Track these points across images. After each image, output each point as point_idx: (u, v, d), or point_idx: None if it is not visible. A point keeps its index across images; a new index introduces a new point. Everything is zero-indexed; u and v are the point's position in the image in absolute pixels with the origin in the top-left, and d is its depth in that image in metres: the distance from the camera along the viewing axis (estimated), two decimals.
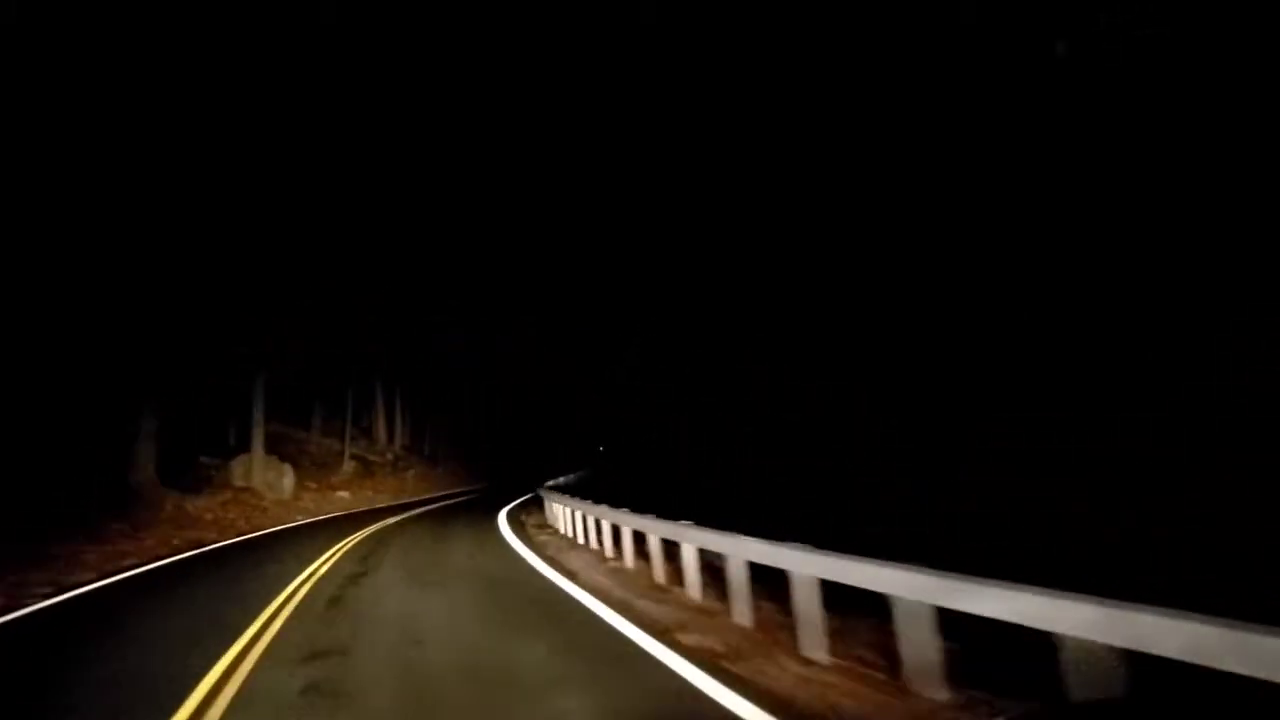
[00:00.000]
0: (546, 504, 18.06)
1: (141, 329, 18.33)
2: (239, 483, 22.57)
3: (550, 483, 27.32)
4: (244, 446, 23.99)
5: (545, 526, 16.53)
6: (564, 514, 14.93)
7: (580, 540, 12.71)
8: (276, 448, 25.71)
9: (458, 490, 36.45)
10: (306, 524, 19.41)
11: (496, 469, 46.51)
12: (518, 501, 25.33)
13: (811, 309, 34.16)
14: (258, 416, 23.71)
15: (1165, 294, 18.46)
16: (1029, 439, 19.16)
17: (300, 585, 8.92)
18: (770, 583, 6.28)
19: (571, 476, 36.93)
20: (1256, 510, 10.73)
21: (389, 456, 37.43)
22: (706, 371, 45.60)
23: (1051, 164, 21.35)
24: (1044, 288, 21.95)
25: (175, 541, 14.48)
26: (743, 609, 6.37)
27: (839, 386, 31.65)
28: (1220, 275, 17.35)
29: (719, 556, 6.95)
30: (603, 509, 11.47)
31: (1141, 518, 12.30)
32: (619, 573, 9.52)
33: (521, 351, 54.68)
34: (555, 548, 12.65)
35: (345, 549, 13.04)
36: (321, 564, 10.91)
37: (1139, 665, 3.01)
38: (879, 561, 4.67)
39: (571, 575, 9.35)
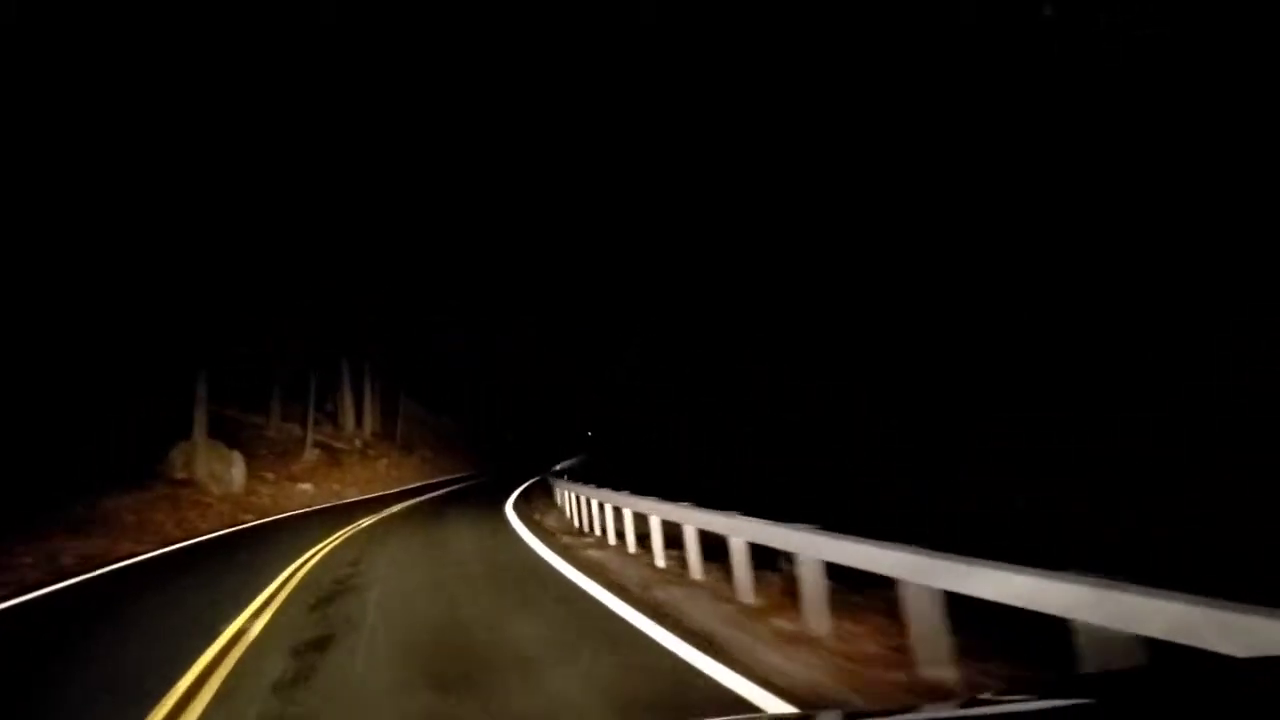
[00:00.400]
0: (575, 500, 14.05)
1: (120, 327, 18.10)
2: (178, 474, 19.28)
3: (558, 466, 26.21)
4: (187, 432, 20.55)
5: (580, 534, 12.44)
6: (600, 513, 11.60)
7: (659, 562, 8.69)
8: (230, 433, 22.73)
9: (440, 481, 33.56)
10: (254, 527, 15.98)
11: (479, 460, 44.61)
12: (518, 494, 23.07)
13: (811, 309, 34.18)
14: (200, 396, 20.34)
15: (1165, 294, 18.47)
16: (1029, 439, 19.16)
17: (211, 668, 5.01)
18: None
19: (571, 461, 36.36)
20: (1256, 510, 10.74)
21: (357, 443, 34.05)
22: (706, 371, 45.63)
23: (1051, 164, 21.36)
24: (1044, 287, 21.96)
25: (65, 560, 10.66)
26: None
27: (839, 386, 31.67)
28: (1220, 275, 17.35)
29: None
30: (733, 521, 6.67)
31: (1141, 518, 12.30)
32: (807, 644, 5.09)
33: (521, 351, 54.79)
34: (633, 578, 8.02)
35: (308, 567, 9.49)
36: (253, 615, 6.65)
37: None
38: None
39: (708, 643, 5.17)
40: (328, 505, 21.84)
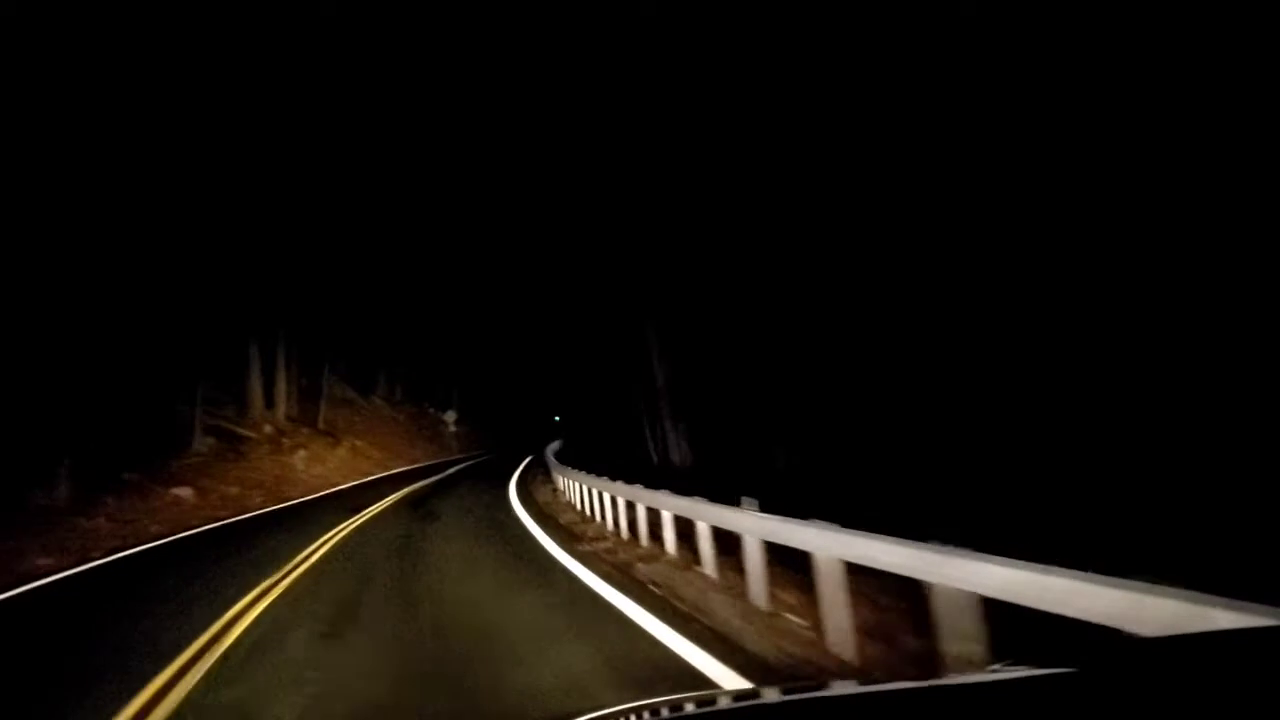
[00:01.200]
0: (633, 515, 10.02)
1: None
2: None
3: (549, 450, 24.94)
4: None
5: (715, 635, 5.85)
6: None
7: None
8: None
9: (381, 478, 26.90)
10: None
11: (430, 450, 39.81)
12: (518, 486, 19.52)
13: (811, 309, 34.18)
14: None
15: (1165, 294, 18.48)
16: (1029, 439, 19.19)
17: None
18: None
19: (556, 444, 35.55)
20: (1257, 510, 10.75)
21: (268, 429, 27.19)
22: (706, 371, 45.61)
23: (1051, 163, 21.37)
24: (1043, 287, 21.96)
25: None
26: None
27: (839, 386, 31.67)
28: (1220, 275, 17.37)
29: None
30: None
31: (1141, 517, 12.31)
32: None
33: (516, 349, 54.92)
34: None
35: None
36: None
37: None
38: None
39: None
40: (207, 528, 13.90)
